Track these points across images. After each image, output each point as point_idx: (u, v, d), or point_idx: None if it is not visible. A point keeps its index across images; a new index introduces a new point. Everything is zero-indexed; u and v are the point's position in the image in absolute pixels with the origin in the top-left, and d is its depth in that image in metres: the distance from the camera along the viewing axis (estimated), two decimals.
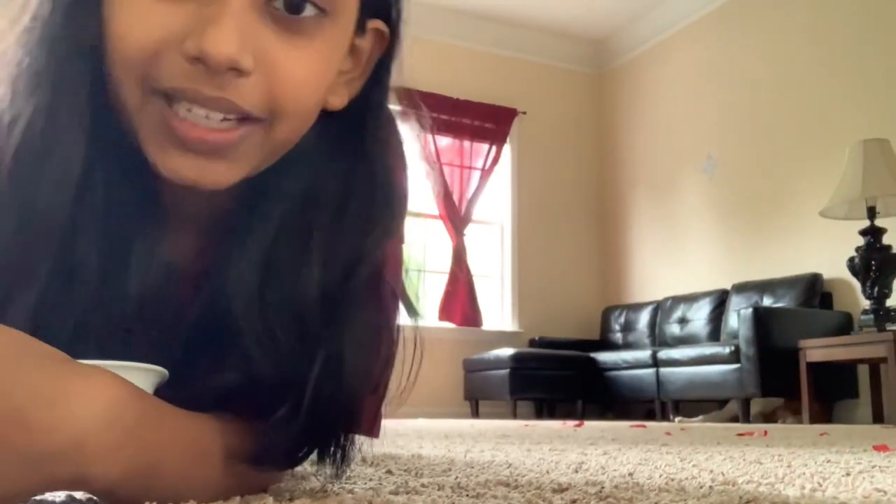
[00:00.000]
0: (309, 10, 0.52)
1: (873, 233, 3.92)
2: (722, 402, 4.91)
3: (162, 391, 0.50)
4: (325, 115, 0.59)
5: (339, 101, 0.59)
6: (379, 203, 0.60)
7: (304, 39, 0.52)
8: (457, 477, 0.81)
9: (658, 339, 5.66)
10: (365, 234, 0.59)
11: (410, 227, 0.67)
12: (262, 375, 0.53)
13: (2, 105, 0.52)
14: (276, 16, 0.51)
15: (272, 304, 0.55)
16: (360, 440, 0.63)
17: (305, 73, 0.53)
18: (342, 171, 0.59)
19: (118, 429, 0.41)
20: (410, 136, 0.69)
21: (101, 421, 0.40)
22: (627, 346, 5.87)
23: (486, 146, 6.36)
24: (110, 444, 0.41)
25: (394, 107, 0.69)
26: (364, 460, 1.10)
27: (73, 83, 0.52)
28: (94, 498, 0.45)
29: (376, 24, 0.59)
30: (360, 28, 0.58)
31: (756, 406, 4.55)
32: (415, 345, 0.68)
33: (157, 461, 0.45)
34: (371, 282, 0.59)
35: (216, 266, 0.57)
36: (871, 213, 3.96)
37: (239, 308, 0.54)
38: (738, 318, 4.49)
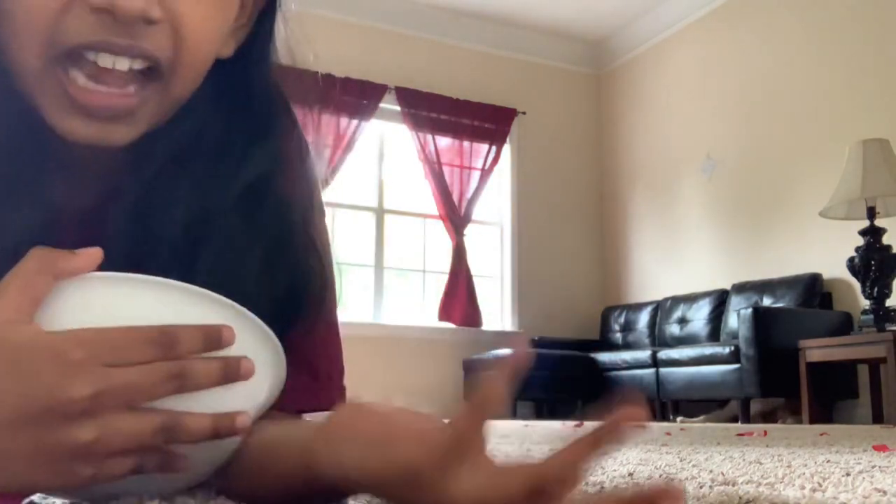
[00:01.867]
0: None
1: (873, 233, 3.92)
2: (722, 403, 4.91)
3: None
4: (214, 64, 0.61)
5: (227, 50, 0.62)
6: (260, 145, 0.63)
7: None
8: None
9: (658, 339, 5.66)
10: (246, 173, 0.62)
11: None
12: None
13: None
14: None
15: (140, 242, 0.58)
16: None
17: (206, 21, 0.55)
18: (225, 116, 0.63)
19: None
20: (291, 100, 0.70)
21: None
22: (627, 346, 5.87)
23: (485, 146, 6.35)
24: None
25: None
26: None
27: None
28: None
29: None
30: None
31: (754, 406, 4.55)
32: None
33: None
34: (270, 217, 0.63)
35: (97, 210, 0.60)
36: (871, 213, 3.96)
37: (113, 246, 0.57)
38: (737, 318, 4.49)
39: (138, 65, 0.53)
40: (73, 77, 0.52)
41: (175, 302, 0.48)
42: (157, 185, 0.60)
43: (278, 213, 0.64)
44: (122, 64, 0.52)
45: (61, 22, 0.50)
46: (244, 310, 0.50)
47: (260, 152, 0.64)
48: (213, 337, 0.47)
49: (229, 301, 0.49)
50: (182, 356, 0.46)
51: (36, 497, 0.50)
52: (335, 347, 0.68)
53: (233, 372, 0.47)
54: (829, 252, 4.64)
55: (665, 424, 3.87)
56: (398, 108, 6.09)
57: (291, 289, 0.63)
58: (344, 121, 5.78)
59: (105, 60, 0.52)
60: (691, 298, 5.51)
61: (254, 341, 0.50)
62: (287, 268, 0.63)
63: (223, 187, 0.62)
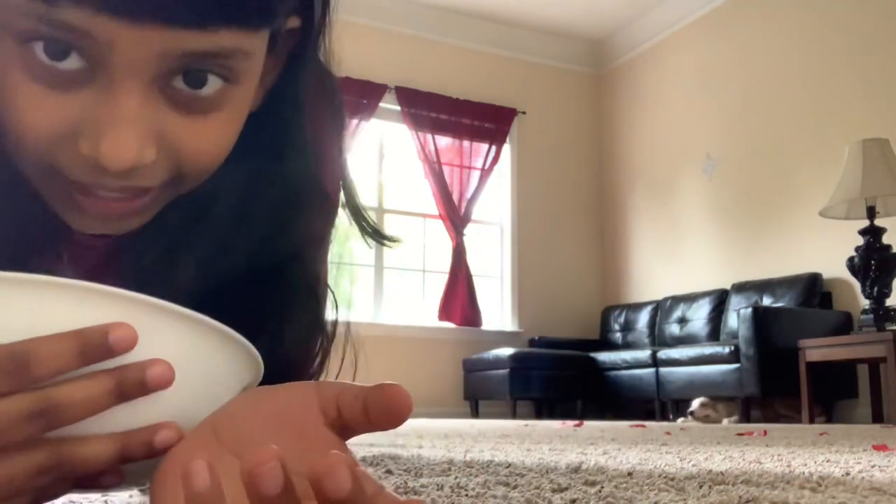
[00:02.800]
0: (213, 83, 0.47)
1: (873, 232, 3.92)
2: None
3: None
4: None
5: (254, 106, 0.55)
6: (293, 203, 0.58)
7: (209, 113, 0.48)
8: (457, 477, 0.81)
9: (658, 338, 5.67)
10: (282, 233, 0.58)
11: (341, 220, 0.66)
12: None
13: None
14: (177, 96, 0.47)
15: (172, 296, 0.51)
16: None
17: (212, 143, 0.50)
18: (252, 171, 0.57)
19: None
20: (346, 125, 0.65)
21: None
22: (627, 345, 5.87)
23: (485, 146, 6.36)
24: None
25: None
26: (363, 460, 1.10)
27: None
28: None
29: (292, 21, 0.54)
30: (274, 41, 0.53)
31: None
32: (346, 345, 0.66)
33: None
34: (302, 278, 0.60)
35: (123, 263, 0.56)
36: (871, 212, 3.97)
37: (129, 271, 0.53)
38: (737, 317, 4.49)
39: (133, 192, 0.49)
40: (72, 191, 0.48)
41: (72, 307, 0.36)
42: (174, 241, 0.56)
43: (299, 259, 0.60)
44: (117, 196, 0.48)
45: (53, 156, 0.47)
46: (182, 309, 0.39)
47: (291, 225, 0.58)
48: (95, 344, 0.35)
49: (154, 300, 0.38)
50: (44, 379, 0.35)
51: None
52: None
53: (132, 386, 0.36)
54: (828, 252, 4.64)
55: (665, 424, 3.87)
56: (398, 107, 6.09)
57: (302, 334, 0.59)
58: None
59: (100, 192, 0.48)
60: (691, 298, 5.52)
61: (194, 342, 0.40)
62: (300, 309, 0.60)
63: (245, 249, 0.56)
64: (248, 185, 0.57)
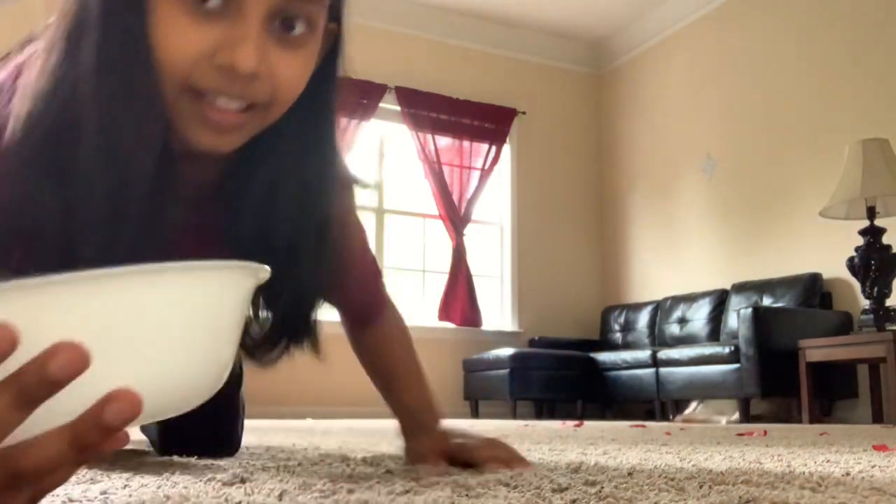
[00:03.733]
0: (299, 27, 0.69)
1: (873, 233, 3.92)
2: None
3: None
4: None
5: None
6: (333, 169, 0.82)
7: (295, 49, 0.70)
8: (457, 477, 0.81)
9: (658, 339, 5.67)
10: (322, 195, 0.80)
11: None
12: None
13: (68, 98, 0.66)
14: (276, 33, 0.69)
15: (252, 243, 0.76)
16: None
17: (296, 74, 0.71)
18: (303, 145, 0.79)
19: None
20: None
21: None
22: (627, 345, 5.87)
23: (485, 146, 6.36)
24: None
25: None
26: (364, 460, 1.10)
27: (143, 75, 0.67)
28: None
29: (331, 26, 0.76)
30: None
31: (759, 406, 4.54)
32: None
33: None
34: (335, 229, 0.82)
35: (215, 211, 0.79)
36: (871, 212, 3.97)
37: (228, 242, 0.78)
38: (737, 317, 4.49)
39: (245, 104, 0.69)
40: (204, 99, 0.68)
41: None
42: (265, 197, 0.77)
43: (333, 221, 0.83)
44: (234, 105, 0.69)
45: (192, 72, 0.66)
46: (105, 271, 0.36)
47: (337, 177, 0.83)
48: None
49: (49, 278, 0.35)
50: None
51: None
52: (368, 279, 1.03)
53: (35, 388, 0.33)
54: (829, 252, 4.64)
55: (665, 424, 3.87)
56: (398, 107, 6.09)
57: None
58: (343, 121, 5.78)
59: (221, 102, 0.68)
60: (691, 298, 5.51)
61: (125, 297, 0.36)
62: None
63: (316, 204, 0.79)
64: (308, 165, 0.79)
